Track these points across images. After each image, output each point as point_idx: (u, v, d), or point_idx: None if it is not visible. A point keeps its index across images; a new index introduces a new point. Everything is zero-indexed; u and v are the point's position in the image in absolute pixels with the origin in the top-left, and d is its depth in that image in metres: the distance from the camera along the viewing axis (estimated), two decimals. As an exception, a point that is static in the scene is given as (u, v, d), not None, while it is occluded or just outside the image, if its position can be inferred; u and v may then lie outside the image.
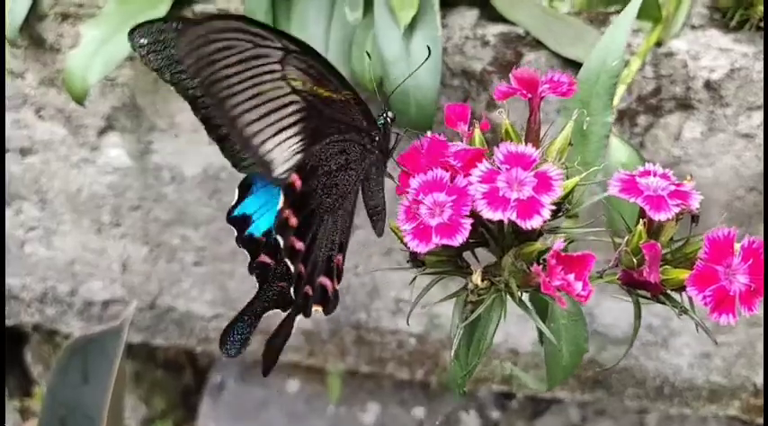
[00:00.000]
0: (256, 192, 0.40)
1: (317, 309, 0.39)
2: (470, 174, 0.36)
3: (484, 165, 0.36)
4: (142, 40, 0.37)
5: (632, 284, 0.37)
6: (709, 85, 0.74)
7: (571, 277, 0.33)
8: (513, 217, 0.34)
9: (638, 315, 0.40)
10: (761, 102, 0.74)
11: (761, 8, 0.71)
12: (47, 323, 1.04)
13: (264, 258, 0.39)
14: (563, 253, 0.33)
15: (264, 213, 0.40)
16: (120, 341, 0.76)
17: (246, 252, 0.39)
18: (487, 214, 0.35)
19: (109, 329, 0.77)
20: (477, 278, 0.37)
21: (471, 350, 0.40)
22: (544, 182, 0.35)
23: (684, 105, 0.75)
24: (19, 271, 0.99)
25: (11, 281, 1.00)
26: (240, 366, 1.16)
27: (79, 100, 0.75)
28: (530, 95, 0.39)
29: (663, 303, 0.38)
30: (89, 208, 0.92)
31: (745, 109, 0.75)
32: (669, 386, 0.91)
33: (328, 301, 0.38)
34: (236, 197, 0.40)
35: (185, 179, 0.88)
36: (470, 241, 0.40)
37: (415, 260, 0.40)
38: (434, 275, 0.40)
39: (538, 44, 0.75)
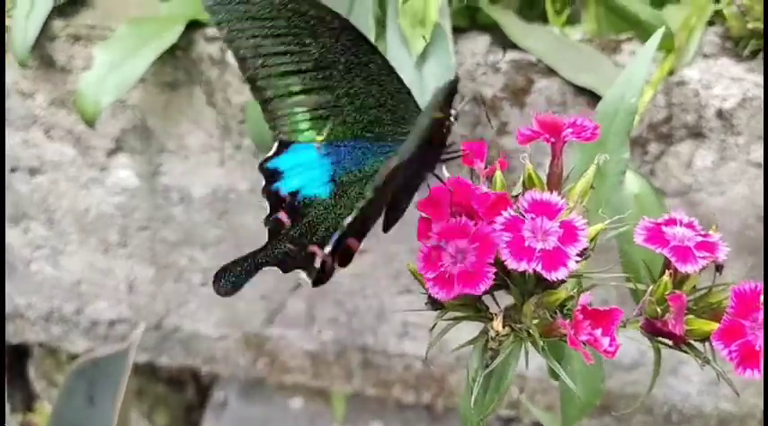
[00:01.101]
0: (294, 151, 0.40)
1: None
2: (494, 221, 0.36)
3: (508, 213, 0.36)
4: None
5: (655, 333, 0.37)
6: (720, 114, 0.74)
7: (598, 332, 0.33)
8: (539, 269, 0.34)
9: (657, 362, 0.40)
10: (773, 131, 0.74)
11: (774, 38, 0.71)
12: (52, 342, 1.03)
13: (282, 216, 0.39)
14: (590, 307, 0.33)
15: (296, 174, 0.39)
16: (127, 365, 0.76)
17: (267, 204, 0.39)
18: (512, 264, 0.34)
19: (115, 352, 0.77)
20: (498, 325, 0.37)
21: (488, 395, 0.40)
22: (570, 233, 0.35)
23: (696, 134, 0.75)
24: (25, 290, 0.98)
25: (17, 300, 0.99)
26: (243, 383, 1.16)
27: (90, 122, 0.75)
28: (553, 140, 0.38)
29: (685, 352, 0.37)
30: (96, 228, 0.92)
31: (756, 138, 0.75)
32: (677, 413, 0.90)
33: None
34: (274, 149, 0.40)
35: (194, 200, 0.87)
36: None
37: (435, 302, 0.40)
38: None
39: (549, 71, 0.75)
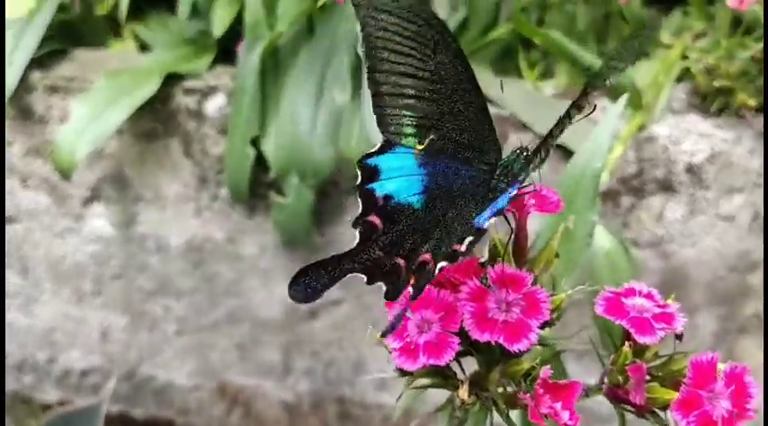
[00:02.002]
0: (395, 153, 0.39)
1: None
2: (459, 290, 0.36)
3: (473, 282, 0.36)
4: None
5: (618, 400, 0.37)
6: (690, 169, 0.76)
7: (558, 405, 0.33)
8: (501, 340, 0.34)
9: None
10: (741, 184, 0.76)
11: (741, 96, 0.73)
12: (24, 391, 1.01)
13: (375, 219, 0.37)
14: (550, 381, 0.33)
15: (393, 177, 0.38)
16: (99, 419, 0.75)
17: (360, 203, 0.38)
18: (475, 334, 0.35)
19: (87, 407, 0.76)
20: (464, 393, 0.37)
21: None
22: (533, 305, 0.35)
23: (666, 187, 0.77)
24: (-4, 339, 0.97)
25: (-13, 349, 0.98)
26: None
27: (66, 175, 0.75)
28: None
29: (647, 419, 0.38)
30: (71, 277, 0.91)
31: (725, 192, 0.76)
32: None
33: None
34: (378, 147, 0.39)
35: (169, 249, 0.87)
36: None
37: (402, 369, 0.40)
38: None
39: (523, 126, 0.77)
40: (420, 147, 0.39)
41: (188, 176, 0.83)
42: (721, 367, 0.36)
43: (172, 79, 0.80)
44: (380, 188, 0.38)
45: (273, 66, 0.78)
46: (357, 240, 0.37)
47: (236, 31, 0.84)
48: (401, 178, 0.38)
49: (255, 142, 0.78)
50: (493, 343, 0.35)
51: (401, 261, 0.36)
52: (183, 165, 0.83)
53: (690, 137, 0.75)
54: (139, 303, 0.91)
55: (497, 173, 0.39)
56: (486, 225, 0.35)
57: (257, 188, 0.82)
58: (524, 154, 0.40)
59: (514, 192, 0.37)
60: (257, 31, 0.76)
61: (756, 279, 0.79)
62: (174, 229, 0.86)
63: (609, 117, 0.51)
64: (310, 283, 0.35)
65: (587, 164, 0.51)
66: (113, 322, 0.93)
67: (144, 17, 0.91)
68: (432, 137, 0.39)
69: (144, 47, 0.90)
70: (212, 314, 0.90)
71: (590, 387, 0.38)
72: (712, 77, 0.74)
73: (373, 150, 0.38)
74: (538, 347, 0.40)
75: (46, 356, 0.98)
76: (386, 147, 0.39)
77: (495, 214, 0.35)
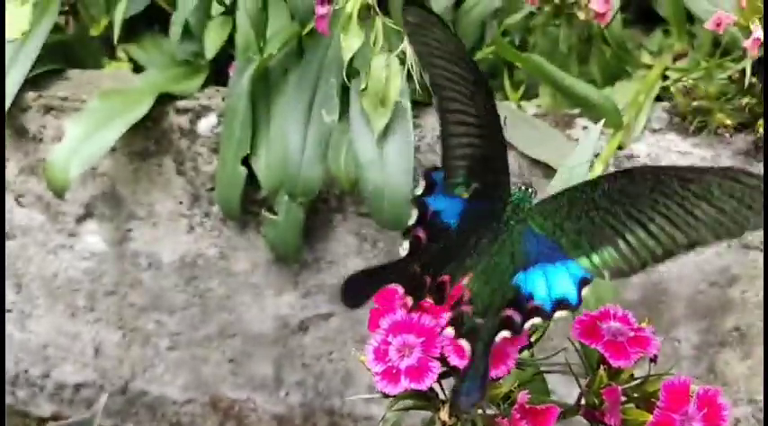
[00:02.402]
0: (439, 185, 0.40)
1: None
2: (440, 316, 0.38)
3: (448, 332, 0.38)
4: (409, 18, 0.39)
5: (595, 421, 0.39)
6: (670, 187, 0.78)
7: (533, 431, 0.35)
8: (479, 364, 0.36)
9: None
10: (719, 202, 0.78)
11: (719, 116, 0.75)
12: (18, 406, 1.02)
13: (421, 233, 0.38)
14: (528, 405, 0.35)
15: (442, 197, 0.39)
16: (92, 434, 0.76)
17: (414, 213, 0.39)
18: (455, 361, 0.36)
19: (80, 420, 0.77)
20: (444, 415, 0.39)
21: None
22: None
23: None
24: (-10, 355, 0.98)
25: (-19, 365, 0.99)
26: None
27: (59, 194, 0.76)
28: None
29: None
30: (64, 293, 0.92)
31: (704, 209, 0.78)
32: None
33: None
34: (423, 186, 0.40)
35: (162, 266, 0.89)
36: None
37: (386, 390, 0.42)
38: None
39: (508, 145, 0.79)
40: (466, 195, 0.40)
41: (180, 194, 0.85)
42: (694, 389, 0.37)
43: (165, 99, 0.81)
44: (434, 202, 0.39)
45: (264, 88, 0.80)
46: (407, 251, 0.38)
47: (229, 52, 0.85)
48: (446, 199, 0.40)
49: (247, 161, 0.80)
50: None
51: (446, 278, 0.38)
52: (175, 183, 0.84)
53: (669, 155, 0.77)
54: (132, 319, 0.92)
55: (509, 209, 0.40)
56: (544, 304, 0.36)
57: (249, 205, 0.84)
58: (531, 192, 0.42)
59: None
60: (248, 54, 0.77)
61: (736, 292, 0.81)
62: (166, 246, 0.88)
63: (589, 137, 0.53)
64: (358, 288, 0.37)
65: (567, 183, 0.53)
66: (106, 337, 0.94)
67: (138, 38, 0.92)
68: (475, 185, 0.40)
69: (138, 67, 0.92)
70: (205, 329, 0.92)
71: (567, 409, 0.40)
72: (691, 97, 0.76)
73: (439, 165, 0.40)
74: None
75: (40, 371, 0.99)
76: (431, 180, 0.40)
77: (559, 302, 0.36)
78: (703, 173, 0.35)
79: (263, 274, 0.88)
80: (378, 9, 0.55)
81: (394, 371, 0.37)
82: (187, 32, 0.85)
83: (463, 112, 0.39)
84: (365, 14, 0.62)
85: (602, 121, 0.54)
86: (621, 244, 0.37)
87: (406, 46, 0.56)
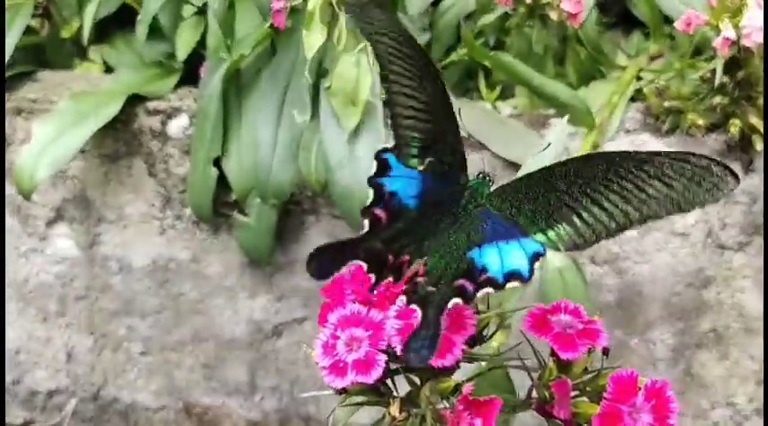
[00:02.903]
0: (397, 165, 0.41)
1: None
2: (388, 309, 0.37)
3: (402, 300, 0.37)
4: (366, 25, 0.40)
5: (546, 414, 0.38)
6: (643, 187, 0.77)
7: (478, 421, 0.34)
8: (426, 356, 0.35)
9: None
10: (693, 203, 0.77)
11: (691, 116, 0.75)
12: (-13, 413, 1.01)
13: (380, 212, 0.39)
14: (471, 397, 0.34)
15: (399, 177, 0.40)
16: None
17: (371, 193, 0.39)
18: (401, 352, 0.36)
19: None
20: (394, 410, 0.38)
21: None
22: (459, 322, 0.36)
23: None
24: (-40, 361, 0.96)
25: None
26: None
27: (26, 195, 0.75)
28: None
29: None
30: (36, 298, 0.91)
31: (678, 209, 0.78)
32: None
33: None
34: (392, 145, 0.41)
35: (133, 269, 0.88)
36: (393, 368, 0.41)
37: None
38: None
39: (480, 145, 0.78)
40: (421, 168, 0.41)
41: (152, 196, 0.84)
42: (643, 381, 0.37)
43: (135, 100, 0.81)
44: (389, 183, 0.40)
45: (236, 89, 0.79)
46: (366, 229, 0.39)
47: (202, 53, 0.85)
48: (404, 178, 0.40)
49: (218, 162, 0.79)
50: (419, 360, 0.36)
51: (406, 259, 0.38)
52: (146, 185, 0.84)
53: (643, 156, 0.77)
54: (104, 323, 0.91)
55: (467, 194, 0.41)
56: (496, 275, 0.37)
57: (221, 207, 0.83)
58: (489, 180, 0.42)
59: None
60: (219, 54, 0.77)
61: (711, 294, 0.81)
62: (138, 249, 0.86)
63: (553, 135, 0.53)
64: (327, 260, 0.37)
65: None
66: (78, 342, 0.93)
67: (110, 39, 0.92)
68: (430, 159, 0.41)
69: (110, 69, 0.91)
70: (177, 333, 0.91)
71: (518, 403, 0.39)
72: (663, 98, 0.76)
73: (389, 146, 0.41)
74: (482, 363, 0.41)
75: (12, 377, 0.97)
76: (385, 164, 0.41)
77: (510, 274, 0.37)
78: (656, 155, 0.36)
79: (237, 277, 0.87)
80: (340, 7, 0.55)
81: (341, 364, 0.37)
82: (159, 33, 0.85)
83: (411, 89, 0.40)
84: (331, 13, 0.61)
85: (567, 117, 0.53)
86: (576, 220, 0.38)
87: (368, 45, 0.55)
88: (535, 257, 0.38)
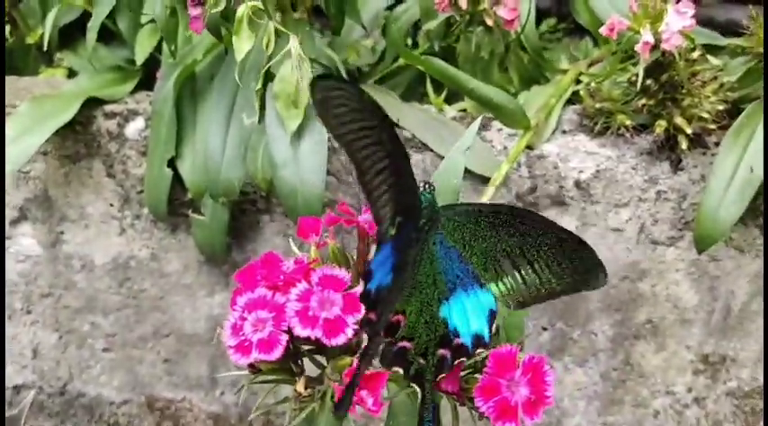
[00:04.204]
0: (380, 251, 0.42)
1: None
2: (289, 293, 0.41)
3: (302, 285, 0.41)
4: (318, 96, 0.39)
5: (441, 390, 0.42)
6: (578, 185, 0.81)
7: (365, 393, 0.37)
8: (320, 335, 0.38)
9: (455, 417, 0.44)
10: (626, 200, 0.81)
11: (620, 117, 0.79)
12: (-44, 409, 1.03)
13: (370, 315, 0.40)
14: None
15: (379, 269, 0.41)
16: (19, 430, 0.78)
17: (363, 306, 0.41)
18: (298, 331, 0.39)
19: (8, 418, 0.79)
20: (300, 386, 0.41)
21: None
22: (351, 304, 0.39)
23: (558, 202, 0.82)
24: (-72, 358, 0.99)
25: None
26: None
27: (-13, 195, 0.78)
28: (355, 224, 0.44)
29: (470, 407, 0.42)
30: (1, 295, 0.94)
31: (612, 206, 0.82)
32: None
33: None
34: (372, 253, 0.42)
35: (95, 267, 0.91)
36: (305, 349, 0.44)
37: (253, 366, 0.44)
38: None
39: (424, 146, 0.82)
40: (392, 232, 0.42)
41: (111, 196, 0.87)
42: (522, 357, 0.40)
43: (94, 103, 0.84)
44: (372, 284, 0.41)
45: (190, 92, 0.83)
46: (366, 340, 0.40)
47: (160, 58, 0.88)
48: (381, 267, 0.42)
49: (173, 163, 0.82)
50: (313, 338, 0.39)
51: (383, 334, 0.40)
52: (106, 186, 0.87)
53: (577, 155, 0.81)
54: (68, 320, 0.94)
55: (425, 215, 0.44)
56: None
57: (178, 207, 0.86)
58: (431, 188, 0.45)
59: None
60: (171, 59, 0.80)
61: (647, 286, 0.85)
62: (99, 248, 0.90)
63: (466, 136, 0.56)
64: (346, 404, 0.39)
65: (447, 183, 0.56)
66: (44, 339, 0.96)
67: (73, 45, 0.95)
68: (399, 219, 0.42)
69: (73, 73, 0.94)
70: (139, 329, 0.94)
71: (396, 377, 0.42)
72: (596, 100, 0.80)
73: (371, 256, 0.42)
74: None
75: (-21, 373, 1.00)
76: (377, 251, 0.42)
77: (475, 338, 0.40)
78: (571, 235, 0.41)
79: (195, 274, 0.90)
80: (271, 13, 0.58)
81: (246, 344, 0.40)
82: (119, 39, 0.88)
83: (379, 160, 0.41)
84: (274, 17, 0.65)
85: (478, 121, 0.56)
86: (518, 275, 0.42)
87: (296, 45, 0.58)
88: (491, 316, 0.41)
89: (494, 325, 0.41)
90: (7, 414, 0.81)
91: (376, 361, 0.40)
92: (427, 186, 0.45)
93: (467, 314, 0.41)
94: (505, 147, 0.81)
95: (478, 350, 0.41)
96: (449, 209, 0.45)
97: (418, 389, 0.39)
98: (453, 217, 0.44)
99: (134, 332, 0.94)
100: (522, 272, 0.42)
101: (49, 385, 0.98)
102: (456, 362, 0.40)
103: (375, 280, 0.41)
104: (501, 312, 0.42)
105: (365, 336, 0.40)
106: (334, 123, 0.40)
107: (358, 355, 0.40)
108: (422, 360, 0.40)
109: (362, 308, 0.40)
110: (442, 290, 0.42)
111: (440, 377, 0.39)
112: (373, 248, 0.43)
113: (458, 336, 0.41)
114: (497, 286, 0.42)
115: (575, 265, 0.41)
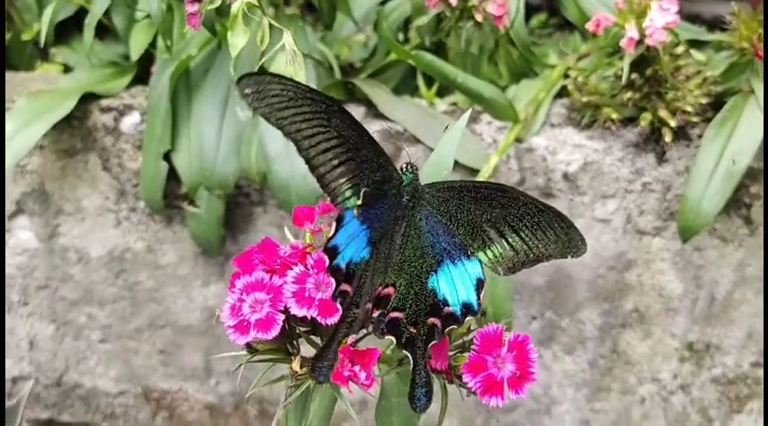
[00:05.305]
0: (344, 228, 0.44)
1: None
2: (286, 275, 0.42)
3: (298, 268, 0.42)
4: (246, 90, 0.43)
5: (431, 370, 0.43)
6: (566, 177, 0.83)
7: (357, 368, 0.39)
8: (315, 315, 0.40)
9: (444, 395, 0.46)
10: (613, 191, 0.83)
11: (606, 110, 0.81)
12: (-46, 402, 1.04)
13: (345, 286, 0.42)
14: (353, 348, 0.39)
15: (348, 246, 0.43)
16: (16, 419, 0.79)
17: (333, 281, 0.43)
18: (295, 311, 0.41)
19: (6, 408, 0.80)
20: (296, 365, 0.43)
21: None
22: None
23: (546, 194, 0.84)
24: (-74, 350, 1.00)
25: None
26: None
27: (-15, 188, 0.80)
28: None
29: (458, 384, 0.44)
30: (-2, 288, 0.95)
31: (599, 197, 0.84)
32: (552, 452, 0.96)
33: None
34: (333, 230, 0.44)
35: (91, 260, 0.92)
36: (302, 330, 0.46)
37: (251, 347, 0.46)
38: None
39: (415, 139, 0.84)
40: (359, 203, 0.45)
41: (107, 189, 0.89)
42: (508, 336, 0.42)
43: (90, 98, 0.85)
44: (342, 259, 0.43)
45: (185, 87, 0.84)
46: (341, 311, 0.42)
47: (154, 54, 0.90)
48: (353, 242, 0.44)
49: (168, 157, 0.83)
50: (309, 318, 0.41)
51: (370, 306, 0.43)
52: (102, 179, 0.88)
53: (565, 147, 0.83)
54: (64, 312, 0.95)
55: (406, 193, 0.46)
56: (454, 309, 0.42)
57: (173, 200, 0.87)
58: (414, 168, 0.47)
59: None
60: (166, 55, 0.82)
61: (633, 276, 0.87)
62: (95, 240, 0.91)
63: (454, 130, 0.57)
64: (325, 364, 0.41)
65: (436, 174, 0.57)
66: (40, 331, 0.97)
67: (69, 41, 0.96)
68: (364, 189, 0.45)
69: (69, 69, 0.95)
70: (135, 321, 0.95)
71: (402, 356, 0.44)
72: (583, 94, 0.82)
73: (330, 234, 0.44)
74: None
75: (-24, 366, 1.01)
76: (337, 227, 0.44)
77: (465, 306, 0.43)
78: (549, 208, 0.44)
79: (190, 266, 0.92)
80: (264, 9, 0.59)
81: (245, 324, 0.42)
82: (114, 35, 0.89)
83: (325, 140, 0.45)
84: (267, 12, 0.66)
85: (466, 116, 0.58)
86: (506, 243, 0.45)
87: (289, 41, 0.60)
88: (479, 285, 0.43)
89: (482, 293, 0.43)
90: (7, 405, 0.82)
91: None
92: (409, 166, 0.47)
93: (455, 284, 0.43)
94: (495, 140, 0.83)
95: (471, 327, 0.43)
96: (432, 186, 0.47)
97: (410, 356, 0.41)
98: (437, 193, 0.46)
99: (130, 323, 0.95)
100: (510, 240, 0.44)
101: (46, 376, 0.99)
102: (446, 330, 0.41)
103: (346, 255, 0.43)
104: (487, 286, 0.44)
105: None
106: (267, 111, 0.44)
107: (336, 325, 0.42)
108: (412, 329, 0.42)
109: (334, 282, 0.42)
110: (430, 263, 0.44)
111: (431, 343, 0.41)
112: (333, 227, 0.45)
113: (447, 305, 0.43)
114: (485, 253, 0.45)
115: (557, 234, 0.44)
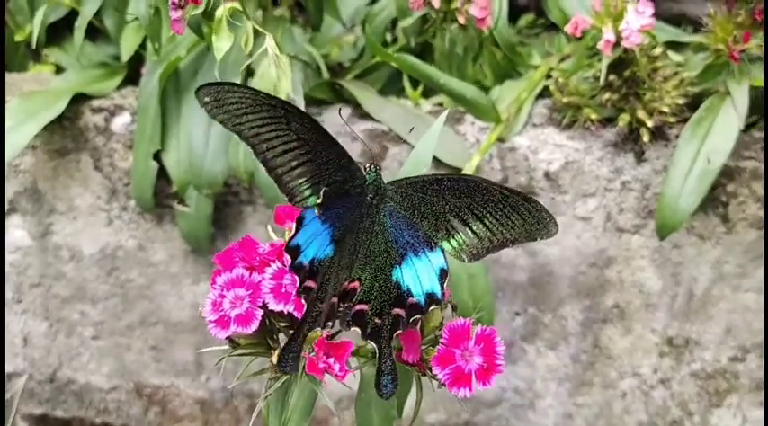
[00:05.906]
0: (305, 227, 0.46)
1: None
2: (264, 272, 0.44)
3: (276, 265, 0.44)
4: (205, 98, 0.46)
5: (403, 362, 0.45)
6: (548, 176, 0.85)
7: (332, 360, 0.41)
8: (291, 310, 0.42)
9: (419, 388, 0.48)
10: (593, 190, 0.85)
11: (586, 111, 0.83)
12: (-51, 397, 1.06)
13: (309, 283, 0.44)
14: (327, 341, 0.41)
15: (310, 244, 0.46)
16: (11, 414, 0.81)
17: (297, 279, 0.44)
18: (273, 306, 0.43)
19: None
20: (274, 358, 0.45)
21: (282, 422, 0.47)
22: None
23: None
24: None
25: None
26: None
27: (-22, 188, 0.81)
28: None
29: (430, 376, 0.46)
30: (-8, 286, 0.97)
31: (580, 196, 0.86)
32: (536, 445, 0.98)
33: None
34: (294, 230, 0.46)
35: (83, 258, 0.94)
36: (282, 325, 0.48)
37: (233, 341, 0.48)
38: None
39: (401, 139, 0.86)
40: (318, 202, 0.47)
41: (98, 189, 0.90)
42: (475, 330, 0.44)
43: (81, 99, 0.87)
44: (305, 257, 0.45)
45: (175, 88, 0.86)
46: (305, 306, 0.44)
47: (145, 55, 0.91)
48: (315, 241, 0.46)
49: (158, 156, 0.85)
50: (286, 313, 0.43)
51: (335, 299, 0.45)
52: (93, 179, 0.90)
53: (546, 147, 0.85)
54: (57, 309, 0.97)
55: (369, 191, 0.48)
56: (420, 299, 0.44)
57: (163, 198, 0.89)
58: (377, 167, 0.50)
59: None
60: (155, 56, 0.83)
61: (613, 272, 0.89)
62: (87, 239, 0.93)
63: (431, 131, 0.59)
64: (290, 356, 0.43)
65: (415, 170, 0.59)
66: (34, 327, 0.99)
67: (61, 42, 0.98)
68: (323, 189, 0.48)
69: (61, 70, 0.97)
70: (127, 318, 0.97)
71: (360, 347, 0.46)
72: (564, 94, 0.84)
73: (291, 235, 0.46)
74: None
75: (-29, 362, 1.03)
76: (298, 227, 0.46)
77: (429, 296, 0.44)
78: (515, 192, 0.46)
79: (181, 264, 0.94)
80: (248, 13, 0.61)
81: (225, 319, 0.43)
82: (105, 36, 0.91)
83: (284, 143, 0.47)
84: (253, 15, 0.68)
85: (443, 116, 0.59)
86: (470, 231, 0.46)
87: (272, 44, 0.62)
88: (442, 275, 0.45)
89: (446, 282, 0.45)
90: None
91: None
92: (371, 166, 0.50)
93: (418, 275, 0.45)
94: (478, 140, 0.85)
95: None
96: (395, 183, 0.49)
97: (375, 345, 0.43)
98: (400, 189, 0.48)
99: (122, 320, 0.97)
100: (474, 228, 0.46)
101: (40, 372, 1.01)
102: (411, 319, 0.43)
103: (309, 253, 0.45)
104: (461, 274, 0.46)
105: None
106: (225, 118, 0.46)
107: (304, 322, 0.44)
108: (378, 320, 0.44)
109: (297, 279, 0.44)
110: (394, 257, 0.46)
111: (396, 333, 0.43)
112: (293, 227, 0.47)
113: (411, 296, 0.45)
114: (449, 243, 0.46)
115: (524, 218, 0.45)
